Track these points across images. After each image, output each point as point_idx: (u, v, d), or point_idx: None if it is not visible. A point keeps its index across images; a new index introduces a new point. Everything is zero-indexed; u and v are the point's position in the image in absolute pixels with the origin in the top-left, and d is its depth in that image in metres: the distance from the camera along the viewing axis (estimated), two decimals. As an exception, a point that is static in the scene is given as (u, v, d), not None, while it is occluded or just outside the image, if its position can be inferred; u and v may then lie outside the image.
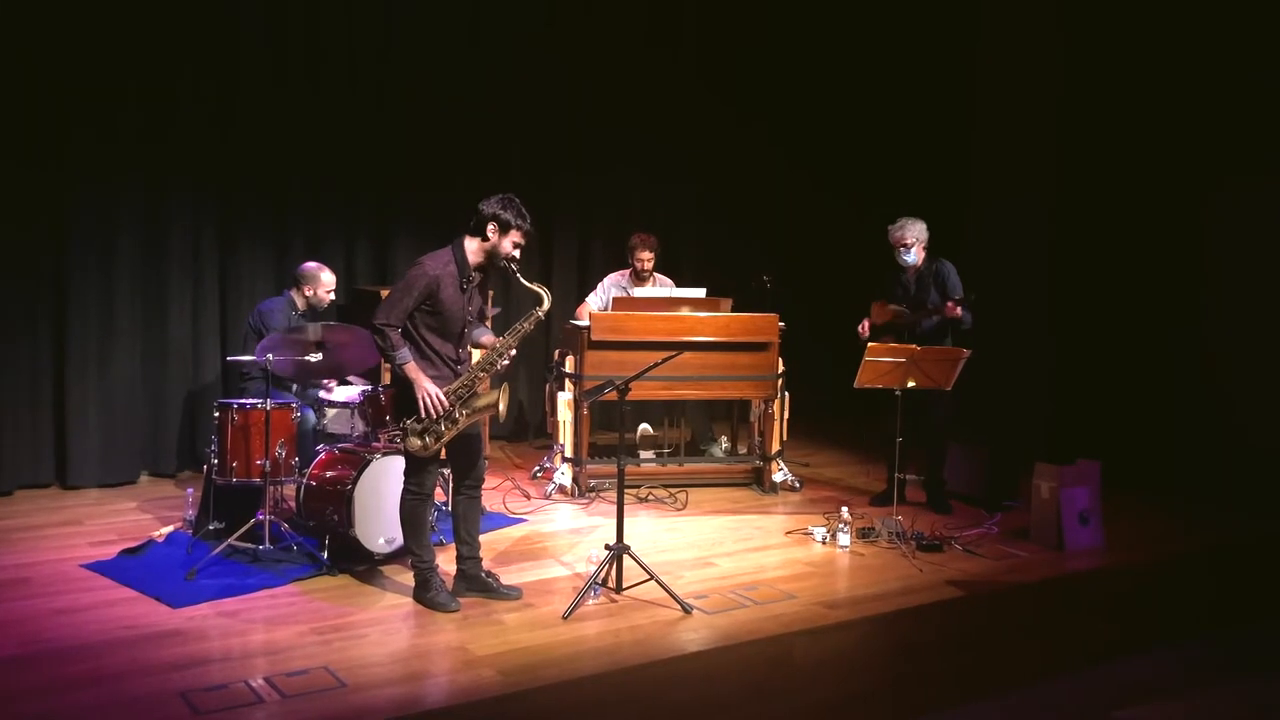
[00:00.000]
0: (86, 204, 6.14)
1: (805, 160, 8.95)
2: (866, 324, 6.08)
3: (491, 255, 4.36)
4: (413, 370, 4.24)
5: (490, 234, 4.32)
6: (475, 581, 4.51)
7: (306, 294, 5.79)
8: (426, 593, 4.40)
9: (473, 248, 4.36)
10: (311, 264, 5.89)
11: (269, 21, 6.68)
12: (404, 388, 4.31)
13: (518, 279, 4.41)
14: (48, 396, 6.15)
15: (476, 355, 4.62)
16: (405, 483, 4.44)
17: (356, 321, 6.49)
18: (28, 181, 5.98)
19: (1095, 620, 5.06)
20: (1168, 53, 6.92)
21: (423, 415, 4.26)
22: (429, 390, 4.24)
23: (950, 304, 5.81)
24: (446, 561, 4.98)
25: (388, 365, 4.51)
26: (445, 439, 4.32)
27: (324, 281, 5.81)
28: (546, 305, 4.47)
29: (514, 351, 4.45)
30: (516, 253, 4.38)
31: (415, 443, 4.28)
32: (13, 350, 6.02)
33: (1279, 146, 6.44)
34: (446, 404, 4.27)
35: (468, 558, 4.51)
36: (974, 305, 5.83)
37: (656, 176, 8.32)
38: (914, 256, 5.98)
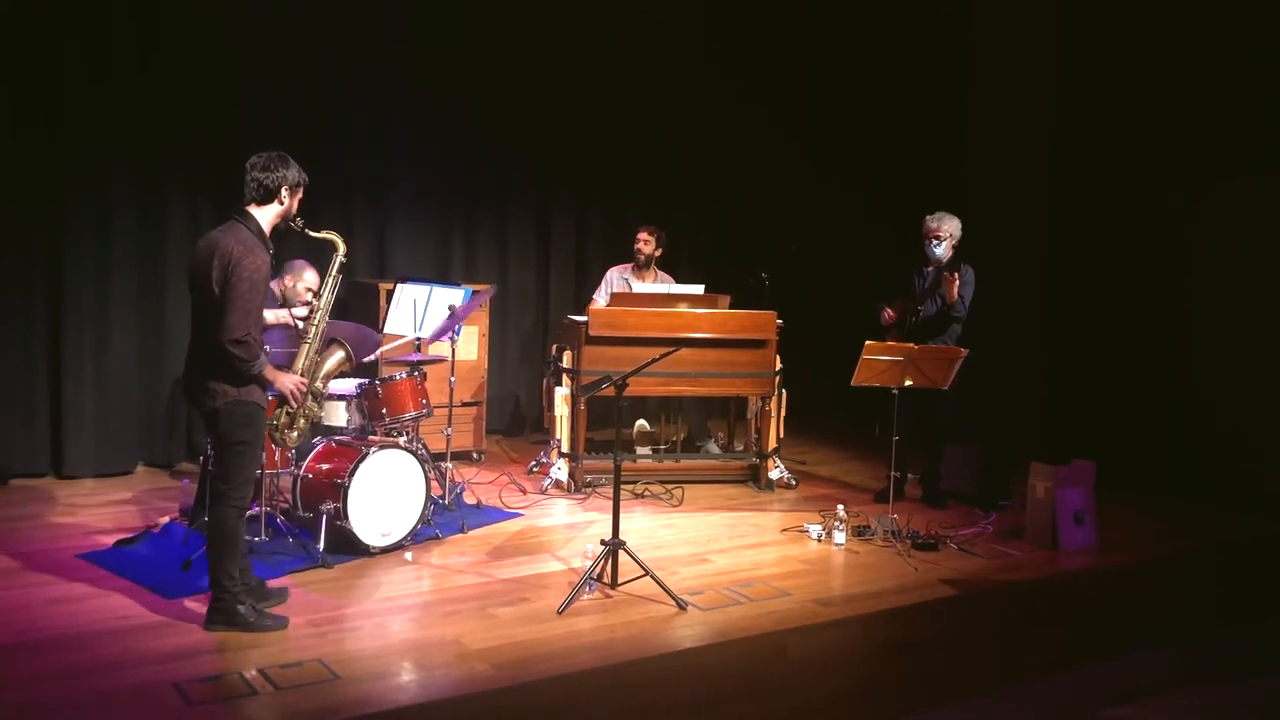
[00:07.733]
0: (84, 199, 6.11)
1: (805, 158, 8.94)
2: (890, 312, 6.08)
3: (283, 219, 4.12)
4: (270, 371, 4.03)
5: (285, 197, 4.05)
6: (254, 592, 4.21)
7: (285, 283, 5.63)
8: (246, 620, 3.97)
9: (267, 217, 4.05)
10: (301, 260, 5.72)
11: (268, 9, 6.67)
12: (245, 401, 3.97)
13: (307, 233, 4.20)
14: (44, 386, 6.14)
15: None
16: (227, 498, 3.98)
17: (353, 315, 6.50)
18: (25, 174, 5.97)
19: (1089, 620, 5.07)
20: (1165, 49, 6.91)
21: (292, 406, 4.16)
22: (288, 378, 4.12)
23: (947, 274, 5.81)
24: (443, 555, 4.99)
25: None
26: (319, 414, 4.30)
27: (305, 278, 5.59)
28: (343, 249, 4.32)
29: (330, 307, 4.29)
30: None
31: (294, 436, 4.17)
32: (8, 342, 6.01)
33: (1273, 144, 6.45)
34: (306, 382, 4.21)
35: (244, 569, 4.21)
36: (968, 308, 5.86)
37: (656, 173, 8.31)
38: (942, 251, 5.98)
